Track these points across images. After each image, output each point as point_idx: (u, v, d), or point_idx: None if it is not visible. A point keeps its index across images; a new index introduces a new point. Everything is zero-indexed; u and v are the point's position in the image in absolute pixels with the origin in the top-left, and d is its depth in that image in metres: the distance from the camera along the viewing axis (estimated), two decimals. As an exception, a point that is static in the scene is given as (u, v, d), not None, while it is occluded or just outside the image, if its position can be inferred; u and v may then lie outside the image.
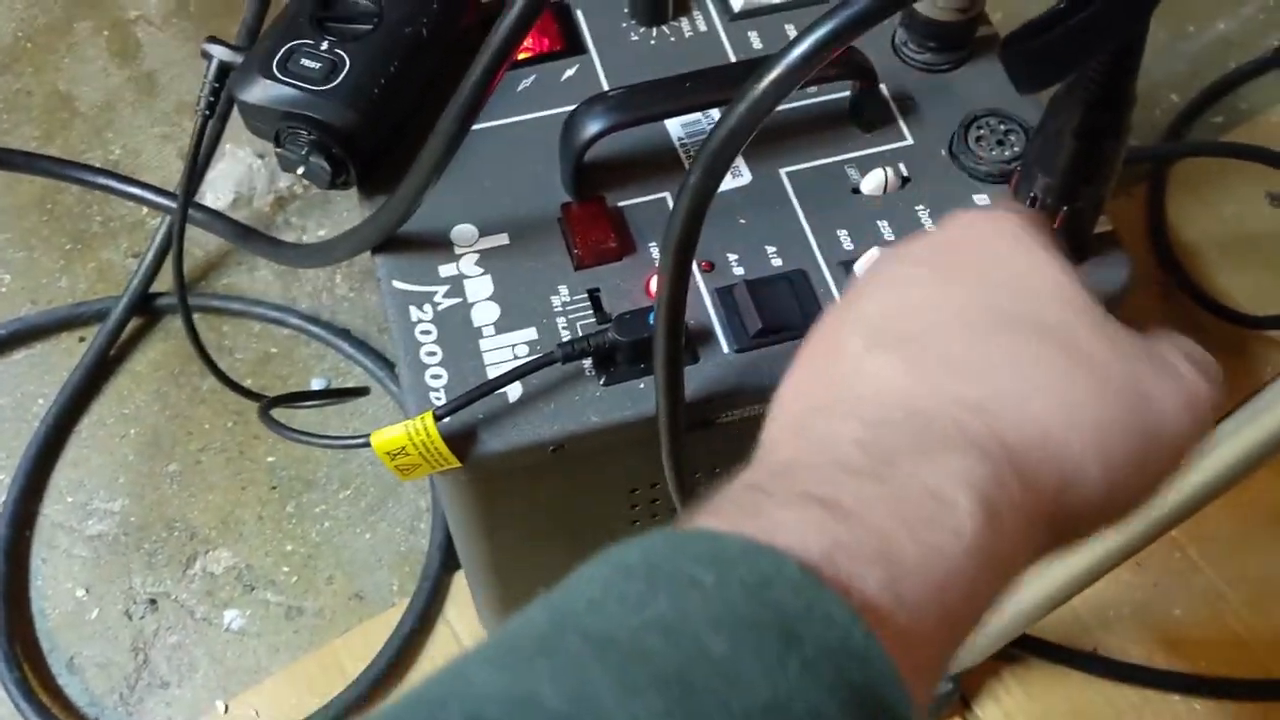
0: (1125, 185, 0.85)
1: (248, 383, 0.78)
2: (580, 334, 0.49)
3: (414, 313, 0.50)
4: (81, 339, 0.81)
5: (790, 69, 0.36)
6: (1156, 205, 0.84)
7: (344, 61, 0.50)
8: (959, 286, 0.30)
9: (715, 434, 0.51)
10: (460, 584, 0.71)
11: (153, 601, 0.72)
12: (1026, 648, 0.68)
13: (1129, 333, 0.30)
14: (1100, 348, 0.29)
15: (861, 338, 0.30)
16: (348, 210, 0.85)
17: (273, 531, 0.74)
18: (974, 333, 0.29)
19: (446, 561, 0.71)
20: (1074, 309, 0.30)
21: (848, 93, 0.55)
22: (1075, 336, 0.29)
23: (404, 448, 0.46)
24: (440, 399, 0.48)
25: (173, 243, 0.57)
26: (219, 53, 0.53)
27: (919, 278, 0.31)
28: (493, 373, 0.48)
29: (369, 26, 0.51)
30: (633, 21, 0.58)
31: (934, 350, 0.29)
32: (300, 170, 0.51)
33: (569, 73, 0.57)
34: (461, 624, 0.70)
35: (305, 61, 0.50)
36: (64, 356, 0.80)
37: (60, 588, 0.72)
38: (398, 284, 0.51)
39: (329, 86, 0.50)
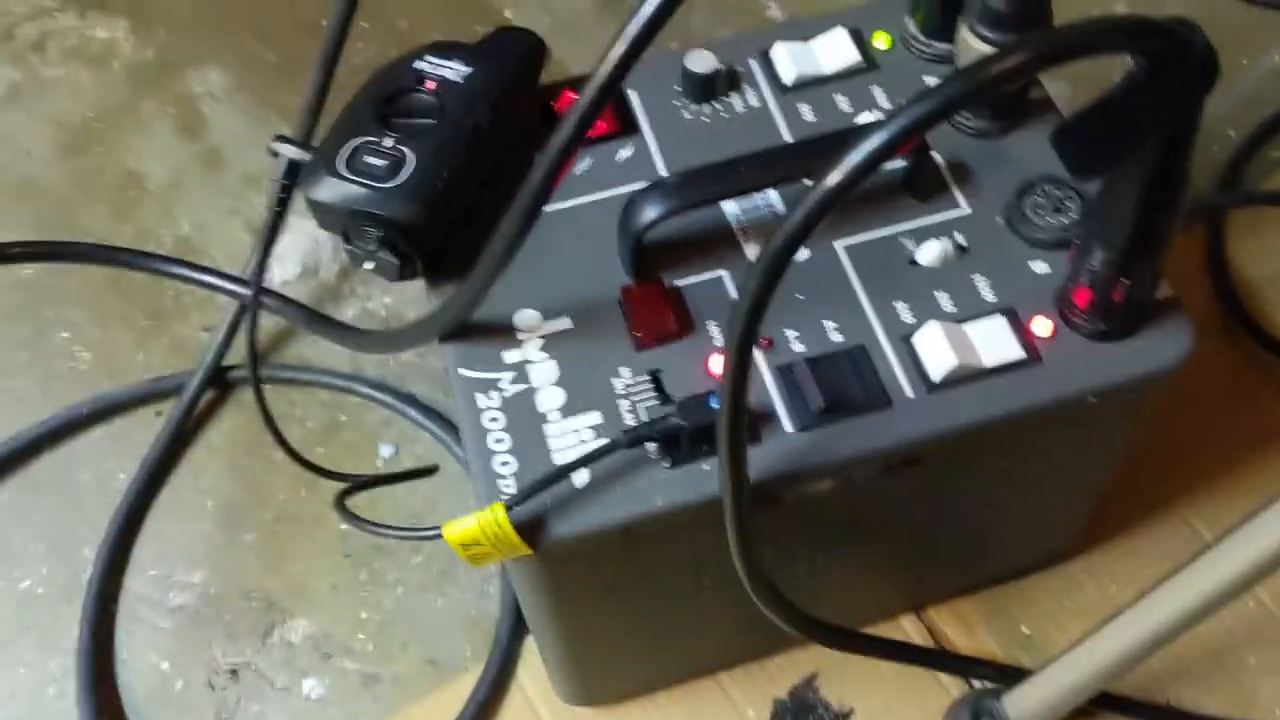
0: (1184, 225, 0.85)
1: (318, 450, 0.80)
2: (644, 416, 0.50)
3: (480, 400, 0.51)
4: (158, 413, 0.83)
5: (850, 173, 0.36)
6: (1217, 247, 0.83)
7: (407, 157, 0.52)
8: None
9: (781, 511, 0.52)
10: (531, 648, 0.72)
11: (233, 672, 0.74)
12: (1100, 703, 0.67)
13: None
14: None
15: None
16: (412, 281, 0.87)
17: (347, 599, 0.76)
18: None
19: (517, 627, 0.72)
20: None
21: (902, 163, 0.55)
22: None
23: (476, 540, 0.47)
24: (509, 486, 0.49)
25: (245, 328, 0.59)
26: (287, 151, 0.55)
27: None
28: (559, 458, 0.49)
29: (431, 121, 0.53)
30: (685, 99, 0.59)
31: None
32: (369, 265, 0.52)
33: (624, 154, 0.58)
34: (534, 688, 0.71)
35: (370, 159, 0.52)
36: (142, 431, 0.82)
37: (145, 660, 0.74)
38: (464, 372, 0.52)
39: (394, 183, 0.51)
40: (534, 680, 0.71)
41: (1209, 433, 0.76)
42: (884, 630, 0.70)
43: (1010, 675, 0.64)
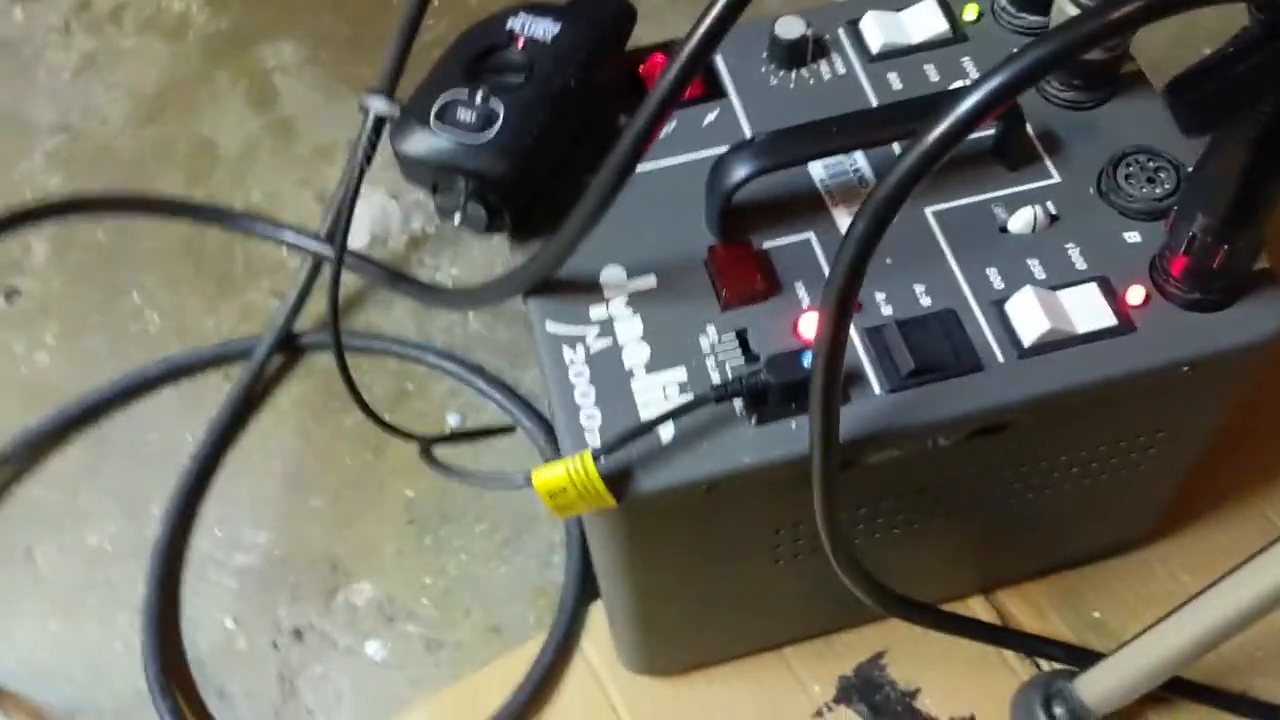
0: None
1: (386, 419, 0.80)
2: (729, 374, 0.50)
3: (567, 354, 0.51)
4: (227, 377, 0.84)
5: (960, 121, 0.36)
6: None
7: (498, 113, 0.52)
8: None
9: (862, 474, 0.52)
10: (596, 617, 0.72)
11: (297, 632, 0.74)
12: (1174, 690, 0.66)
13: None
14: None
15: None
16: (479, 249, 0.87)
17: (412, 564, 0.76)
18: None
19: (582, 595, 0.72)
20: None
21: (992, 131, 0.55)
22: None
23: (564, 487, 0.47)
24: (595, 440, 0.49)
25: (328, 285, 0.59)
26: (377, 105, 0.55)
27: None
28: (645, 413, 0.49)
29: (520, 78, 0.53)
30: (772, 65, 0.59)
31: None
32: (456, 217, 0.53)
33: (710, 117, 0.58)
34: (598, 657, 0.71)
35: (461, 114, 0.52)
36: (211, 394, 0.83)
37: (210, 618, 0.75)
38: (550, 327, 0.52)
39: (485, 138, 0.51)
40: (598, 649, 0.71)
41: (1287, 424, 0.75)
42: (954, 610, 0.70)
43: (1081, 658, 0.64)
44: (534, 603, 0.74)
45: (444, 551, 0.76)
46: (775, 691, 0.69)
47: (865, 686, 0.68)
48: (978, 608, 0.70)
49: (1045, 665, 0.68)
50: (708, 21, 0.40)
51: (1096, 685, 0.62)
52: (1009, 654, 0.69)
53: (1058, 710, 0.64)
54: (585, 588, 0.72)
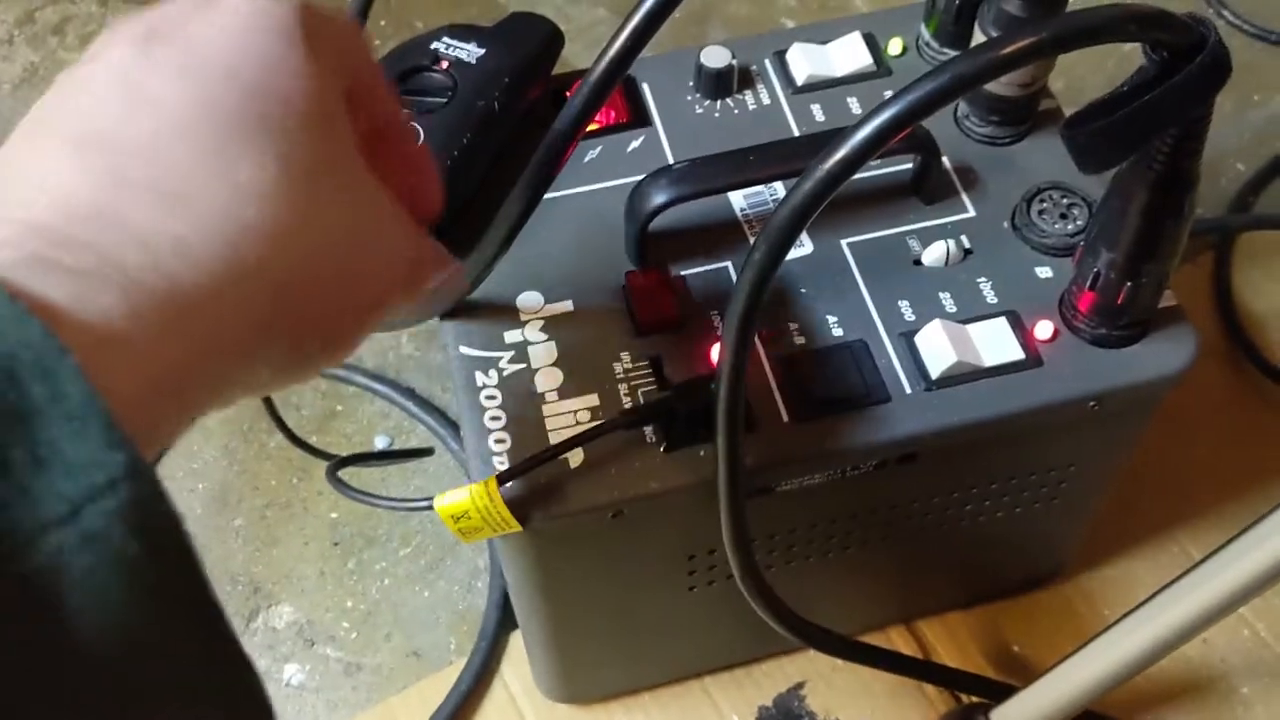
0: (1191, 255, 0.85)
1: (313, 439, 0.79)
2: (642, 401, 0.50)
3: (479, 378, 0.51)
4: (154, 394, 0.83)
5: (859, 148, 0.36)
6: (1223, 275, 0.83)
7: (418, 135, 0.52)
8: (190, 82, 0.27)
9: (773, 501, 0.52)
10: (516, 643, 0.71)
11: (216, 654, 0.73)
12: (1090, 725, 0.66)
13: (372, 182, 0.30)
14: (332, 181, 0.29)
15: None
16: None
17: (334, 587, 0.75)
18: (194, 140, 0.27)
19: (503, 621, 0.72)
20: (319, 129, 0.29)
21: (909, 165, 0.55)
22: (309, 158, 0.28)
23: (467, 512, 0.46)
24: (503, 464, 0.49)
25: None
26: (297, 123, 0.55)
27: (146, 67, 0.27)
28: (555, 438, 0.49)
29: (443, 100, 0.53)
30: (698, 95, 0.60)
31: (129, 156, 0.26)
32: (372, 237, 0.52)
33: (635, 144, 0.58)
34: (518, 684, 0.70)
35: (380, 133, 0.52)
36: (137, 411, 0.82)
37: (127, 638, 0.74)
38: (464, 350, 0.52)
39: (402, 157, 0.51)
40: (518, 676, 0.70)
41: (1208, 460, 0.76)
42: (874, 642, 0.70)
43: (999, 691, 0.64)
44: (455, 628, 0.73)
45: (366, 575, 0.75)
46: (694, 721, 0.68)
47: (784, 717, 0.68)
48: (898, 639, 0.71)
49: (964, 698, 0.68)
50: (612, 51, 0.40)
51: (1010, 718, 0.62)
52: (929, 687, 0.69)
53: (973, 743, 0.64)
54: (507, 614, 0.71)
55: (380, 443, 0.80)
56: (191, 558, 0.21)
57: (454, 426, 0.79)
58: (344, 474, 0.56)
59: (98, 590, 0.19)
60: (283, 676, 0.72)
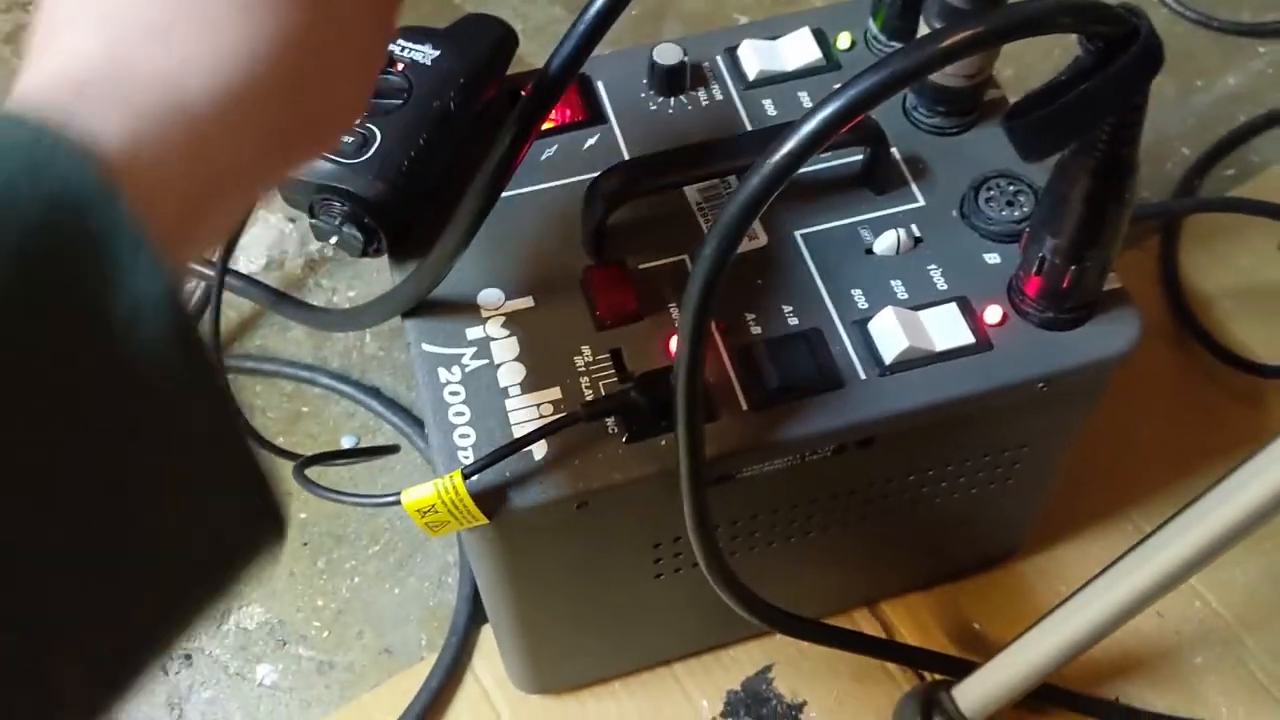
0: (1138, 238, 0.87)
1: (279, 440, 0.80)
2: (603, 393, 0.51)
3: (442, 374, 0.52)
4: (119, 400, 0.83)
5: (804, 142, 0.37)
6: (1169, 258, 0.85)
7: (375, 135, 0.53)
8: None
9: (735, 488, 0.53)
10: (488, 637, 0.72)
11: (188, 657, 0.73)
12: (1049, 699, 0.68)
13: None
14: None
15: None
16: (377, 271, 0.87)
17: (304, 587, 0.76)
18: None
19: (474, 615, 0.72)
20: None
21: (860, 156, 0.57)
22: None
23: (433, 505, 0.47)
24: (468, 458, 0.49)
25: (210, 309, 0.59)
26: (256, 127, 0.55)
27: None
28: (519, 432, 0.50)
29: (399, 102, 0.54)
30: (651, 92, 0.61)
31: None
32: (333, 240, 0.53)
33: (590, 141, 0.59)
34: (489, 677, 0.71)
35: (338, 135, 0.52)
36: (102, 417, 0.82)
37: (97, 644, 0.74)
38: (427, 347, 0.53)
39: (360, 160, 0.52)
40: (490, 670, 0.71)
41: (1159, 439, 0.78)
42: (838, 624, 0.71)
43: (961, 668, 0.65)
44: (426, 624, 0.74)
45: (336, 574, 0.76)
46: (664, 707, 0.69)
47: (753, 700, 0.70)
48: (862, 621, 0.72)
49: (928, 676, 0.69)
50: (565, 50, 0.41)
51: (972, 694, 0.63)
52: (893, 666, 0.70)
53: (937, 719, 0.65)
54: (477, 609, 0.72)
55: (347, 443, 0.80)
56: (205, 350, 0.26)
57: (420, 424, 0.80)
58: (311, 473, 0.57)
59: (160, 361, 0.24)
60: (255, 677, 0.72)
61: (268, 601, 0.75)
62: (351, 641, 0.74)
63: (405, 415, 0.80)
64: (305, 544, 0.77)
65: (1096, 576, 0.55)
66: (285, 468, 0.77)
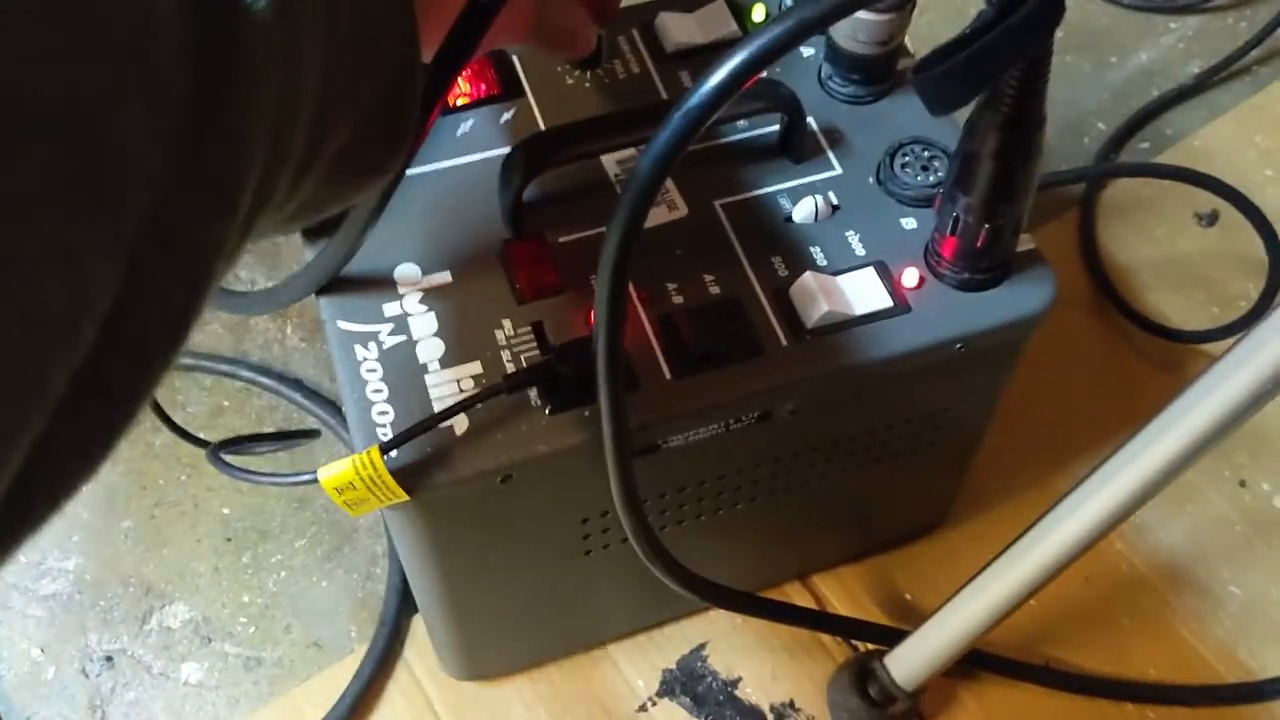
0: (1057, 211, 0.88)
1: (200, 435, 0.78)
2: (525, 365, 0.50)
3: (359, 351, 0.51)
4: (32, 399, 0.81)
5: (714, 91, 0.37)
6: (1088, 229, 0.86)
7: None
8: None
9: (661, 459, 0.52)
10: (419, 626, 0.71)
11: (109, 659, 0.71)
12: (980, 664, 0.69)
13: None
14: None
15: None
16: (296, 264, 0.86)
17: (229, 583, 0.74)
18: None
19: (403, 606, 0.71)
20: None
21: (777, 126, 0.57)
22: None
23: (351, 482, 0.46)
24: (387, 435, 0.49)
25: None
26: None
27: None
28: (439, 407, 0.49)
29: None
30: (567, 66, 0.60)
31: None
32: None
33: (507, 115, 0.58)
34: (421, 666, 0.70)
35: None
36: (15, 417, 0.80)
37: (16, 648, 0.72)
38: (342, 324, 0.52)
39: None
40: (421, 659, 0.70)
41: (1082, 409, 0.79)
42: (771, 597, 0.71)
43: (893, 637, 0.66)
44: (356, 616, 0.73)
45: (262, 569, 0.74)
46: (599, 689, 0.69)
47: (688, 678, 0.69)
48: (795, 594, 0.72)
49: (861, 647, 0.70)
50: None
51: (903, 662, 0.63)
52: (826, 638, 0.70)
53: (871, 689, 0.65)
54: (407, 599, 0.71)
55: (270, 436, 0.79)
56: None
57: (343, 415, 0.78)
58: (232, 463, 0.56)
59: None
60: (180, 675, 0.71)
61: (191, 599, 0.74)
62: (279, 636, 0.72)
63: (329, 407, 0.79)
64: (229, 539, 0.76)
65: (1019, 537, 0.55)
66: (206, 474, 0.76)
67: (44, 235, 0.21)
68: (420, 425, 0.47)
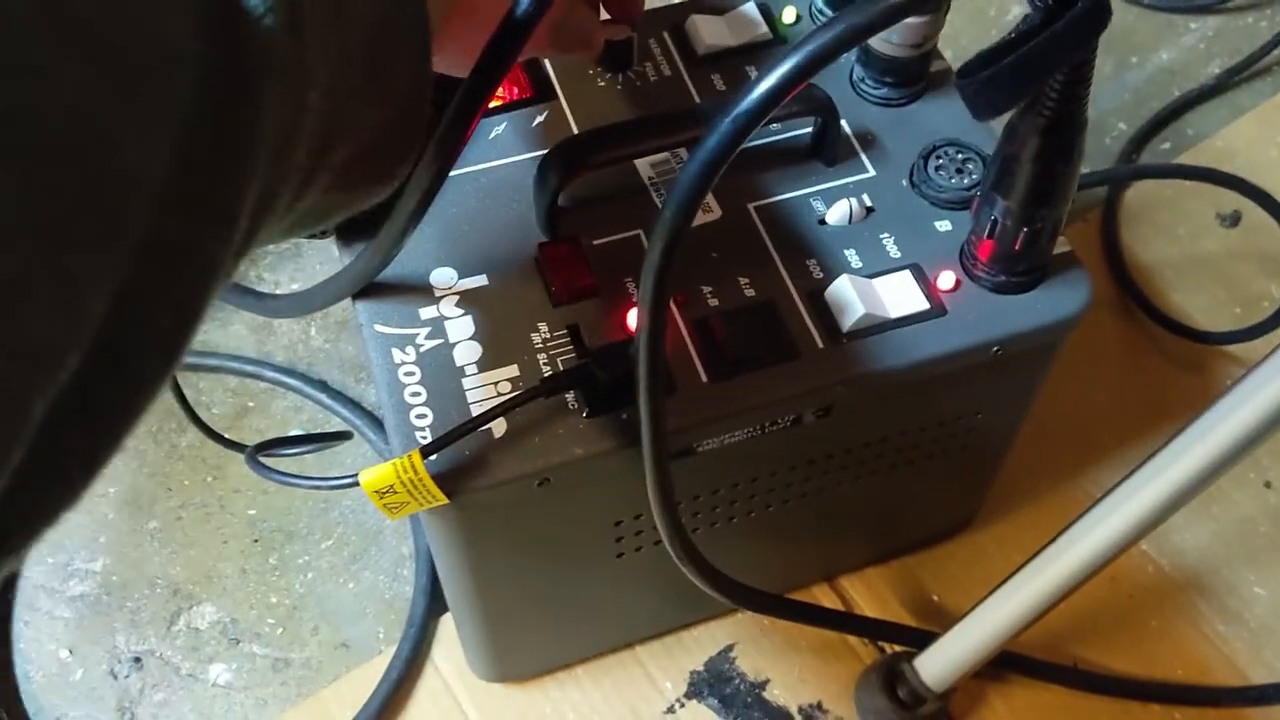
0: (1080, 212, 0.88)
1: (226, 436, 0.79)
2: (562, 369, 0.50)
3: (397, 355, 0.51)
4: (58, 401, 0.81)
5: (764, 98, 0.37)
6: (1111, 230, 0.86)
7: None
8: None
9: (696, 462, 0.52)
10: (446, 627, 0.71)
11: (137, 660, 0.72)
12: (1008, 666, 0.69)
13: None
14: None
15: None
16: (320, 263, 0.86)
17: (256, 584, 0.74)
18: None
19: (431, 606, 0.71)
20: None
21: (810, 129, 0.57)
22: None
23: (392, 486, 0.47)
24: (426, 438, 0.49)
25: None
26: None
27: None
28: (476, 410, 0.49)
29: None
30: (599, 68, 0.60)
31: None
32: (280, 220, 0.52)
33: (539, 119, 0.58)
34: (449, 667, 0.70)
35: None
36: (41, 419, 0.80)
37: (44, 650, 0.72)
38: (380, 328, 0.52)
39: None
40: (449, 661, 0.70)
41: (1108, 408, 0.79)
42: (798, 599, 0.71)
43: (921, 639, 0.66)
44: (384, 617, 0.73)
45: (289, 570, 0.75)
46: (627, 691, 0.69)
47: (716, 680, 0.69)
48: (822, 596, 0.72)
49: (889, 648, 0.70)
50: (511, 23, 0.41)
51: (933, 664, 0.64)
52: (853, 640, 0.70)
53: (900, 691, 0.65)
54: (435, 599, 0.71)
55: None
56: None
57: (370, 416, 0.79)
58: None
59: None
60: (209, 677, 0.71)
61: (219, 600, 0.74)
62: (307, 637, 0.72)
63: (354, 407, 0.79)
64: (256, 541, 0.76)
65: (1050, 542, 0.55)
66: (233, 464, 0.76)
67: (42, 263, 0.20)
68: (460, 429, 0.47)
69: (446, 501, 0.48)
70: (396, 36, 0.34)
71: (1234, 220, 0.88)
